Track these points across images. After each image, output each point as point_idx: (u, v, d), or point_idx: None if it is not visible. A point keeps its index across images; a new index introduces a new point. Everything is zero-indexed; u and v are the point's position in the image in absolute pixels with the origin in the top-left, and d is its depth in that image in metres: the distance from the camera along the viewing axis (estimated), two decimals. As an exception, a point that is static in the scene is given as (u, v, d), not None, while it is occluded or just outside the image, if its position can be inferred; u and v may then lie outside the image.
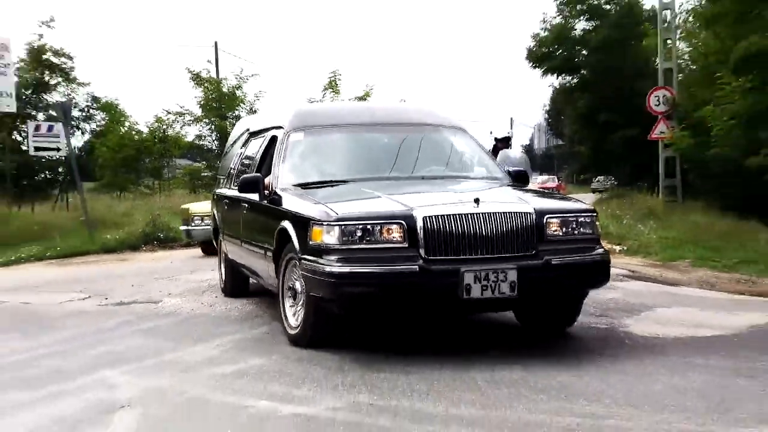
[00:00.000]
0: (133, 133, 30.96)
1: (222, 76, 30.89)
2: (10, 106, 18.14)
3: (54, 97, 29.23)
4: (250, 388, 4.87)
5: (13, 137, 27.23)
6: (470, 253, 5.24)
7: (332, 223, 5.27)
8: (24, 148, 25.29)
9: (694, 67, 20.56)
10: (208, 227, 12.07)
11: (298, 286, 5.83)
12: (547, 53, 37.18)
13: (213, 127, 29.35)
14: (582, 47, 36.93)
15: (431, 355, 5.55)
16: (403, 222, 5.23)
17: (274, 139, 7.27)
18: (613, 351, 5.69)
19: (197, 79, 29.01)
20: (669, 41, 19.07)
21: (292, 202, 6.08)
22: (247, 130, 8.77)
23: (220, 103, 28.69)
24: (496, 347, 5.95)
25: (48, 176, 31.72)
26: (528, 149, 79.19)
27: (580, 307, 6.11)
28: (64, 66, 30.37)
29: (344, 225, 5.24)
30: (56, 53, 29.80)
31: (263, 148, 7.55)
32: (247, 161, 8.07)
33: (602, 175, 35.75)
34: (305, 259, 5.47)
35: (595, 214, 5.81)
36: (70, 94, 31.37)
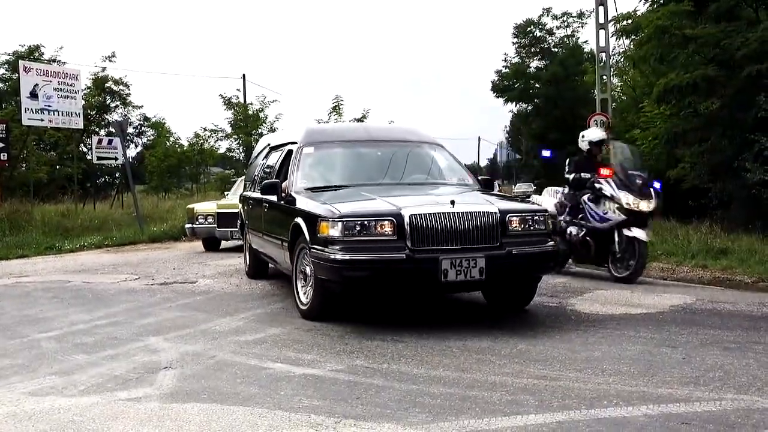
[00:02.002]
0: (176, 146, 30.81)
1: (248, 101, 30.74)
2: (78, 124, 18.05)
3: (113, 117, 29.21)
4: (268, 353, 4.79)
5: (80, 148, 27.13)
6: (447, 244, 5.24)
7: (336, 220, 5.29)
8: (88, 157, 25.17)
9: (625, 98, 20.57)
10: (211, 225, 12.02)
11: (308, 270, 5.82)
12: (507, 85, 37.35)
13: (240, 142, 29.26)
14: (535, 81, 37.08)
15: (415, 328, 5.48)
16: (393, 219, 5.25)
17: (290, 152, 7.24)
18: (561, 325, 5.63)
19: (228, 103, 28.96)
20: (604, 77, 19.06)
21: (303, 203, 6.08)
22: (269, 144, 8.77)
23: (246, 123, 28.59)
24: (468, 322, 5.91)
25: (107, 180, 31.71)
26: (492, 162, 79.04)
27: (535, 289, 6.13)
28: (122, 92, 30.34)
29: (346, 221, 5.26)
30: (116, 82, 29.75)
31: (281, 159, 7.53)
32: (268, 170, 8.03)
33: (521, 181, 35.65)
34: (314, 248, 5.48)
35: (546, 213, 5.84)
36: (126, 115, 31.42)
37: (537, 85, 36.77)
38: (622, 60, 21.89)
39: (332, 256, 5.22)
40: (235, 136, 29.26)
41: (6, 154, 16.12)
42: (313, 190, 6.40)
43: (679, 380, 4.04)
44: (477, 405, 3.63)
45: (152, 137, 34.22)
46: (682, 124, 12.84)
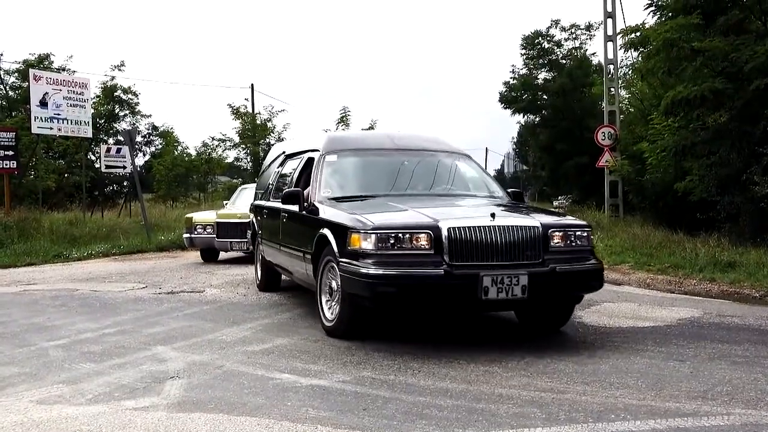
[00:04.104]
0: (184, 155, 30.95)
1: (256, 110, 30.87)
2: (87, 132, 18.17)
3: (122, 126, 29.37)
4: (275, 363, 4.80)
5: (89, 157, 27.27)
6: (487, 259, 4.95)
7: (369, 231, 5.00)
8: (97, 165, 25.33)
9: (633, 110, 20.55)
10: (210, 236, 11.68)
11: (334, 284, 5.52)
12: (515, 97, 37.32)
13: (248, 151, 29.36)
14: (543, 93, 37.05)
15: (422, 340, 5.49)
16: (430, 232, 4.95)
17: (310, 160, 6.97)
18: (568, 337, 5.63)
19: (236, 112, 29.08)
20: (612, 89, 19.08)
21: (330, 213, 5.78)
22: (283, 152, 8.45)
23: (254, 133, 28.68)
24: (474, 333, 5.91)
25: (115, 188, 31.79)
26: (499, 173, 78.98)
27: (573, 309, 5.81)
28: (131, 101, 30.49)
29: (379, 233, 4.96)
30: (125, 91, 29.91)
31: (300, 167, 7.24)
32: (284, 178, 7.73)
33: (562, 195, 35.62)
34: (343, 262, 5.19)
35: (590, 229, 5.50)
36: (134, 123, 31.55)
37: (545, 97, 36.72)
38: (630, 72, 21.95)
39: (364, 271, 4.93)
40: (243, 146, 29.38)
41: (15, 162, 16.21)
42: (338, 199, 6.13)
43: (686, 394, 4.02)
44: (484, 417, 3.63)
45: (160, 146, 34.38)
46: (691, 136, 12.79)
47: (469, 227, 5.00)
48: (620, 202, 18.35)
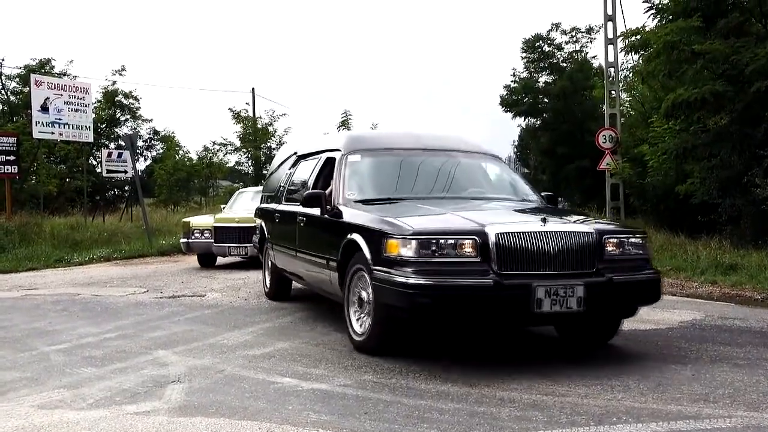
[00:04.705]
0: (185, 159, 31.00)
1: (257, 114, 30.94)
2: (89, 137, 18.23)
3: (123, 130, 29.50)
4: (276, 367, 4.80)
5: (90, 162, 27.34)
6: (540, 268, 4.53)
7: (409, 237, 4.55)
8: (98, 170, 25.38)
9: (633, 113, 20.55)
10: (208, 240, 11.50)
11: (364, 295, 5.08)
12: (516, 100, 37.38)
13: (249, 155, 29.43)
14: (544, 96, 37.11)
15: (423, 344, 5.47)
16: (476, 238, 4.51)
17: (329, 160, 6.59)
18: (570, 340, 5.60)
19: (237, 117, 29.17)
20: (613, 92, 19.07)
21: (360, 216, 5.34)
22: (295, 153, 7.98)
23: (255, 137, 28.76)
24: (476, 337, 5.88)
25: (116, 193, 31.86)
26: (500, 176, 78.76)
27: (621, 322, 5.39)
28: (132, 105, 30.61)
29: (420, 238, 4.52)
30: (126, 96, 30.04)
31: (318, 168, 6.80)
32: (299, 180, 7.30)
33: (563, 199, 35.61)
34: (377, 270, 4.74)
35: (646, 235, 5.14)
36: (135, 128, 31.67)
37: (545, 100, 36.78)
38: (630, 75, 21.96)
39: (402, 280, 4.48)
40: (244, 150, 29.44)
41: (17, 167, 16.25)
42: (364, 202, 5.70)
43: (688, 397, 4.02)
44: (485, 421, 3.62)
45: (162, 150, 34.45)
46: (691, 139, 12.79)
47: (519, 233, 4.59)
48: (621, 205, 18.33)
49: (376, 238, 4.84)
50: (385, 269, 4.67)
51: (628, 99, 21.79)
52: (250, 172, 30.07)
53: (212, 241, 11.54)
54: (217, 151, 30.07)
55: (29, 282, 10.33)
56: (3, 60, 35.51)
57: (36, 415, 3.86)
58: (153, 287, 9.24)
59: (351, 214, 5.49)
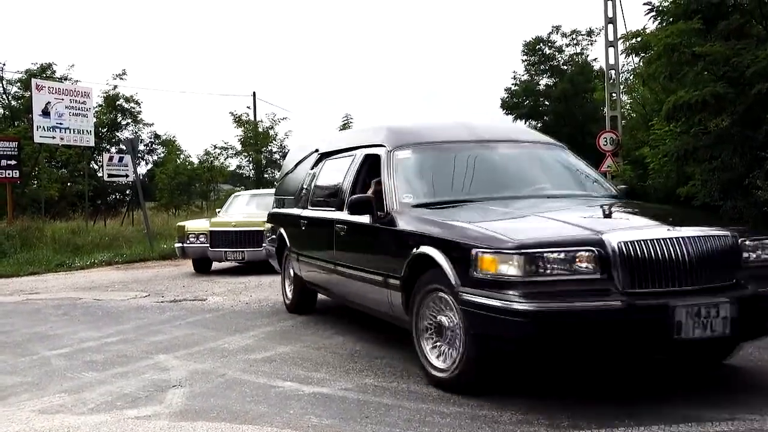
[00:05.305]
0: (186, 163, 31.05)
1: (258, 118, 30.98)
2: (90, 141, 18.29)
3: (124, 135, 29.58)
4: (278, 371, 4.80)
5: (91, 166, 27.39)
6: (675, 284, 3.66)
7: (511, 252, 3.66)
8: (99, 174, 25.44)
9: (634, 115, 20.56)
10: (204, 245, 11.16)
11: (445, 321, 4.18)
12: (517, 103, 37.43)
13: (250, 159, 29.47)
14: (545, 98, 37.13)
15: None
16: (594, 249, 3.65)
17: (368, 158, 5.72)
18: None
19: (238, 121, 29.19)
20: (614, 94, 19.09)
21: (427, 225, 4.46)
22: (316, 150, 7.05)
23: (257, 141, 28.79)
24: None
25: (118, 197, 31.92)
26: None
27: None
28: (133, 110, 30.66)
29: (528, 252, 3.64)
30: (127, 100, 30.09)
31: (356, 167, 5.85)
32: (329, 182, 6.36)
33: None
34: (467, 293, 3.85)
35: None
36: (137, 132, 31.72)
37: (546, 103, 36.84)
38: (631, 77, 21.97)
39: (509, 306, 3.59)
40: (245, 154, 29.47)
41: (18, 171, 16.27)
42: (426, 206, 4.80)
43: (690, 399, 4.00)
44: (487, 424, 3.61)
45: (163, 154, 34.51)
46: (692, 141, 12.74)
47: (648, 240, 3.71)
48: (622, 207, 18.33)
49: (462, 252, 3.95)
50: (478, 291, 3.80)
51: (629, 101, 21.81)
52: (251, 175, 30.10)
53: (208, 245, 11.19)
54: (219, 155, 30.13)
55: (30, 286, 10.33)
56: (4, 64, 35.65)
57: (37, 419, 3.86)
58: (154, 291, 9.24)
59: (412, 222, 4.64)
